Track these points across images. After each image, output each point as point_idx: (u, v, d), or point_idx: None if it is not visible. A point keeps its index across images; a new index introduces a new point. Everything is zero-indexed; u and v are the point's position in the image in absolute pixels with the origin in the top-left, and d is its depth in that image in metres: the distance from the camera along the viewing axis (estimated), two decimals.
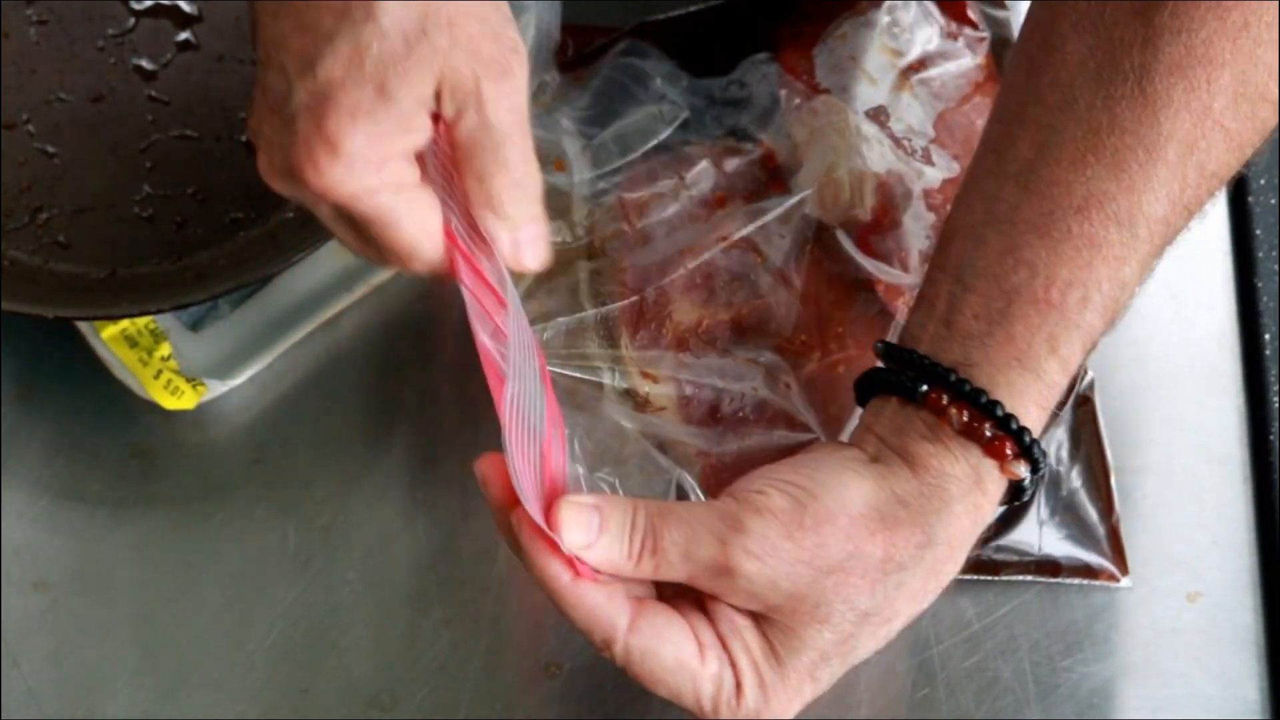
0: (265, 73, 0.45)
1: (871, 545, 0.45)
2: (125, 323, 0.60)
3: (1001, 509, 0.51)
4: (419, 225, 0.45)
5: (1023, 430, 0.46)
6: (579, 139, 0.62)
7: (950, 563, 0.47)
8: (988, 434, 0.46)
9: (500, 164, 0.45)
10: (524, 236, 0.46)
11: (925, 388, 0.47)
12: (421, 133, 0.44)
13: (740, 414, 0.57)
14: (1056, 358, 0.46)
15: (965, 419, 0.46)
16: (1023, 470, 0.47)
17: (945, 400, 0.46)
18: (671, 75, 0.63)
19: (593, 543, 0.45)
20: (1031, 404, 0.47)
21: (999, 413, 0.46)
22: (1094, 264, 0.46)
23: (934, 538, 0.46)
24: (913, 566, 0.46)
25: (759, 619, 0.46)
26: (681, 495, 0.56)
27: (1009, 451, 0.46)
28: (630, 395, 0.58)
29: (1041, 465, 0.47)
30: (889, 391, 0.48)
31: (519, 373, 0.45)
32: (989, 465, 0.47)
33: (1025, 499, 0.49)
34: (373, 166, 0.43)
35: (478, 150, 0.45)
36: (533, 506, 0.45)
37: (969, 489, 0.46)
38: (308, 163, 0.43)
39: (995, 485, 0.47)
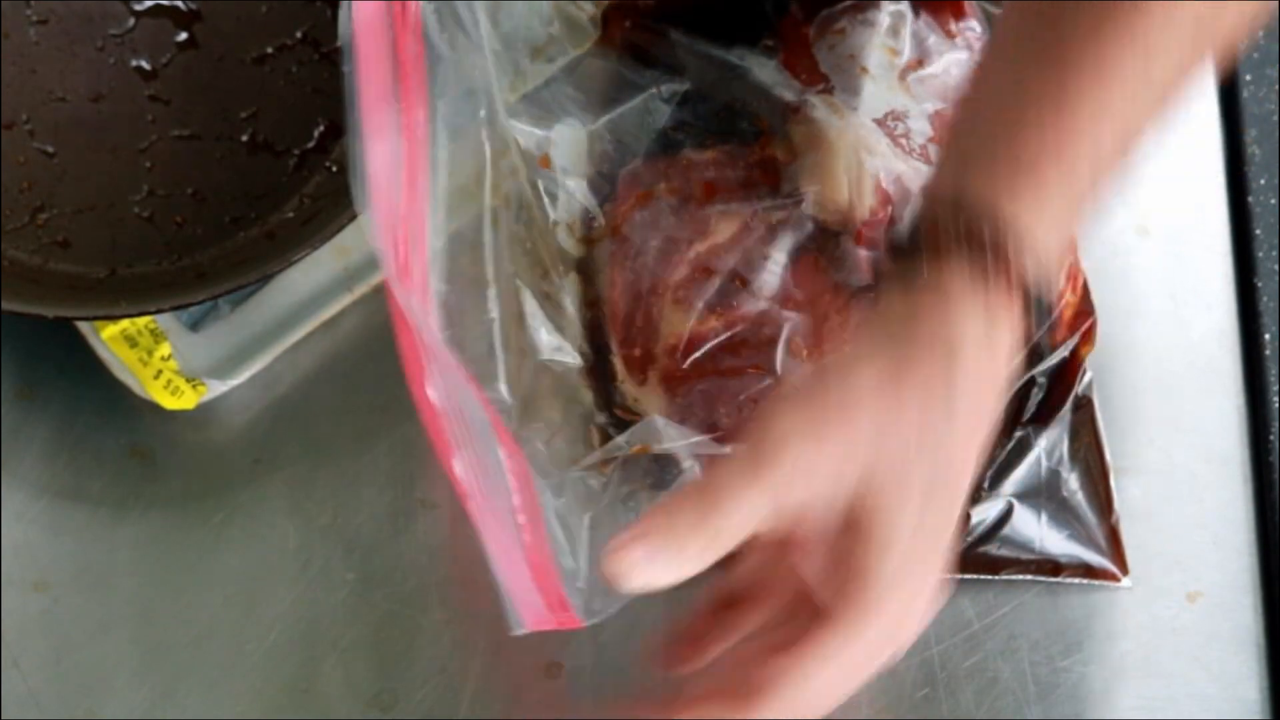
0: None
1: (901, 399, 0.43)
2: (125, 323, 0.60)
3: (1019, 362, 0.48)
4: None
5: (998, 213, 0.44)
6: (572, 126, 0.61)
7: (984, 383, 0.44)
8: (982, 235, 0.44)
9: None
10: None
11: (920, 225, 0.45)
12: None
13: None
14: (1057, 160, 0.45)
15: (960, 226, 0.44)
16: (1029, 266, 0.44)
17: (939, 226, 0.45)
18: (666, 46, 0.62)
19: (655, 555, 0.41)
20: (1024, 192, 0.44)
21: (985, 210, 0.44)
22: (1105, 81, 0.45)
23: (955, 352, 0.43)
24: (943, 392, 0.43)
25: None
26: None
27: (1009, 255, 0.44)
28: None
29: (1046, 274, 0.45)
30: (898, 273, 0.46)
31: (460, 442, 0.43)
32: (988, 264, 0.44)
33: (1047, 314, 0.46)
34: None
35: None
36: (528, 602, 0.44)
37: (969, 290, 0.44)
38: None
39: (1002, 293, 0.44)
